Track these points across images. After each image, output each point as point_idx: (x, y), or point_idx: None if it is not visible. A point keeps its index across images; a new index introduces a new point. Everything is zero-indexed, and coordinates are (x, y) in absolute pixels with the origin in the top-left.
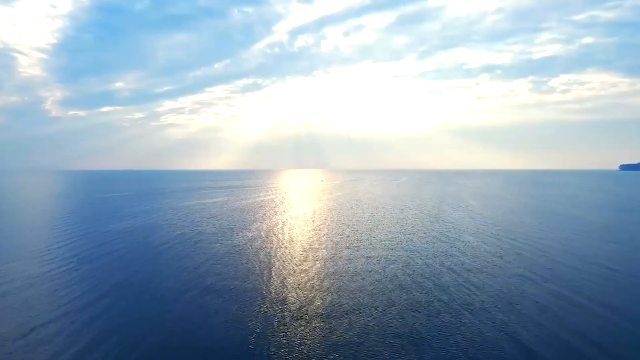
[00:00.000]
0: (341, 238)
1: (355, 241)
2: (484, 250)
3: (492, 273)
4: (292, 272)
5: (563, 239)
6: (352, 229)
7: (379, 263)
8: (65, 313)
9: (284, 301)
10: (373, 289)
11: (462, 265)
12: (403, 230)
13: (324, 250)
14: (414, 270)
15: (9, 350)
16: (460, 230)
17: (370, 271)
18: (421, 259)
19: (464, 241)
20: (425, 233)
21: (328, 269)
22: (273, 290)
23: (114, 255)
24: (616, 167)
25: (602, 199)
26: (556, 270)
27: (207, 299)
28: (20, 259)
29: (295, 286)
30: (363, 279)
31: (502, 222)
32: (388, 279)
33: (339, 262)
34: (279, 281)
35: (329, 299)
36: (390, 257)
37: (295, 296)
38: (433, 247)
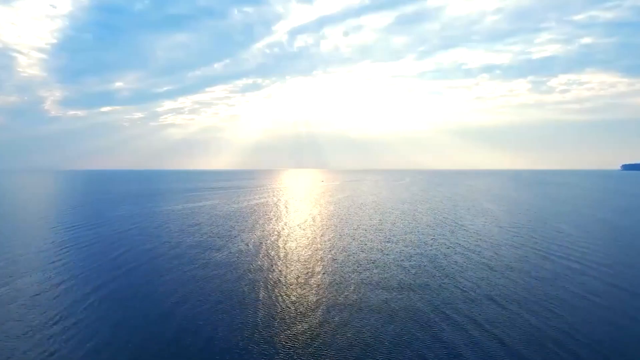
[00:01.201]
0: (347, 256)
1: (366, 262)
2: (537, 276)
3: (571, 314)
4: (287, 317)
5: (628, 257)
6: (360, 242)
7: (404, 302)
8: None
9: None
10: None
11: (523, 304)
12: (423, 245)
13: (328, 278)
14: (460, 313)
15: None
16: (492, 243)
17: (396, 311)
18: (460, 290)
19: (503, 259)
20: (451, 248)
21: (333, 311)
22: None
23: (71, 281)
24: (618, 167)
25: (624, 201)
26: None
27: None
28: None
29: (293, 341)
30: (390, 338)
31: (536, 231)
32: (425, 332)
33: (348, 298)
34: (270, 331)
35: None
36: (418, 291)
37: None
38: (470, 272)
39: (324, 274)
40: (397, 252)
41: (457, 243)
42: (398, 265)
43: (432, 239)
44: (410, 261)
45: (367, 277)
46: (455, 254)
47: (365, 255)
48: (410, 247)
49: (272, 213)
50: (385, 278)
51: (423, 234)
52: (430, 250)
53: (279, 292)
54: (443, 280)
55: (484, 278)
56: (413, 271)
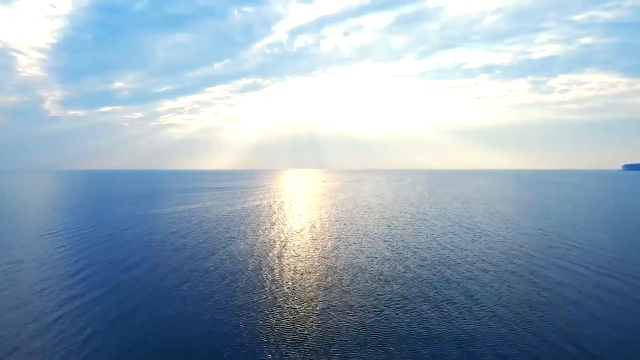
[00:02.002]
0: (357, 273)
1: (380, 281)
2: (613, 304)
3: None
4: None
5: None
6: (371, 254)
7: (458, 351)
8: None
9: None
10: None
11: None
12: (446, 259)
13: (342, 306)
14: None
15: None
16: (527, 254)
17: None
18: (527, 330)
19: (550, 278)
20: (481, 259)
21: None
22: None
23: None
24: (619, 167)
25: (635, 202)
26: None
27: None
28: None
29: None
30: None
31: (568, 239)
32: None
33: (376, 343)
34: None
35: None
36: (473, 334)
37: None
38: (525, 302)
39: (336, 299)
40: (418, 267)
41: (482, 252)
42: (417, 283)
43: (453, 246)
44: (437, 279)
45: (393, 308)
46: (487, 269)
47: (378, 267)
48: (432, 264)
49: (272, 217)
50: (418, 312)
51: (444, 245)
52: (461, 267)
53: (280, 329)
54: (498, 313)
55: (541, 306)
56: (453, 298)
